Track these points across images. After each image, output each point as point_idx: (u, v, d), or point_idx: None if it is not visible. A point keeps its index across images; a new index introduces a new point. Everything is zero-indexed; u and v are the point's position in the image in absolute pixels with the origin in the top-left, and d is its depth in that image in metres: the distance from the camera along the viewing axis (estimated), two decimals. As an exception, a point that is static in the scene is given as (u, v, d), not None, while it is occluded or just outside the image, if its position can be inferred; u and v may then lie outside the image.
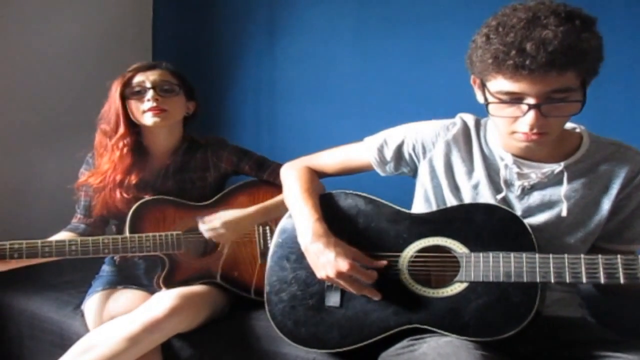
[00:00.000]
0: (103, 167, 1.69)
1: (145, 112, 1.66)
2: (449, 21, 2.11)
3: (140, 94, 1.67)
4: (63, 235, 1.73)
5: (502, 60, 1.06)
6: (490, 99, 1.13)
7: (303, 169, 1.51)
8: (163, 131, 1.73)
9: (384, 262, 1.29)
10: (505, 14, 1.09)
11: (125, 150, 1.67)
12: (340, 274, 1.25)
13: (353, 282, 1.26)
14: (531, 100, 1.08)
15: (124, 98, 1.67)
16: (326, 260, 1.26)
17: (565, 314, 1.28)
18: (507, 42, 1.05)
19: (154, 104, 1.64)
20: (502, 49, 1.05)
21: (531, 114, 1.08)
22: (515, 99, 1.10)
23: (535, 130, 1.11)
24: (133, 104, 1.68)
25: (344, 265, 1.24)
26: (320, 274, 1.29)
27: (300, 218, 1.36)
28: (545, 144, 1.17)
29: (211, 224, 1.62)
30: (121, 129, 1.67)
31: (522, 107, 1.10)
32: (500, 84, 1.10)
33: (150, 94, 1.65)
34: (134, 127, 1.70)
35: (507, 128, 1.15)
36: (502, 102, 1.12)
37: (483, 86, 1.16)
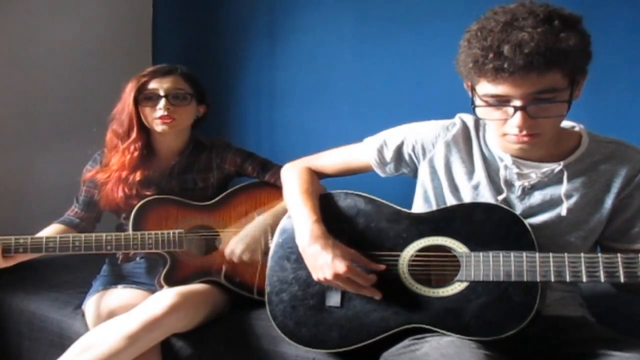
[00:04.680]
0: (112, 166, 1.72)
1: (155, 120, 1.69)
2: (449, 22, 2.09)
3: (152, 100, 1.70)
4: (57, 228, 1.76)
5: (481, 64, 1.07)
6: (478, 102, 1.14)
7: (303, 169, 1.51)
8: (171, 135, 1.76)
9: (383, 266, 1.29)
10: (485, 17, 1.11)
11: (136, 154, 1.71)
12: (337, 276, 1.24)
13: (351, 284, 1.26)
14: (517, 102, 1.08)
15: (137, 102, 1.70)
16: (323, 262, 1.26)
17: (566, 313, 1.28)
18: (485, 46, 1.06)
19: (165, 113, 1.67)
20: (481, 53, 1.06)
21: (518, 116, 1.09)
22: (501, 101, 1.10)
23: (525, 132, 1.11)
24: (145, 110, 1.71)
25: (341, 267, 1.24)
26: (318, 275, 1.28)
27: (299, 219, 1.36)
28: (539, 145, 1.17)
29: (234, 252, 1.63)
30: (133, 134, 1.71)
31: (508, 109, 1.10)
32: (484, 87, 1.11)
33: (162, 102, 1.68)
34: (144, 131, 1.74)
35: (499, 130, 1.16)
36: (488, 105, 1.12)
37: (472, 90, 1.17)
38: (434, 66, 2.15)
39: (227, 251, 1.64)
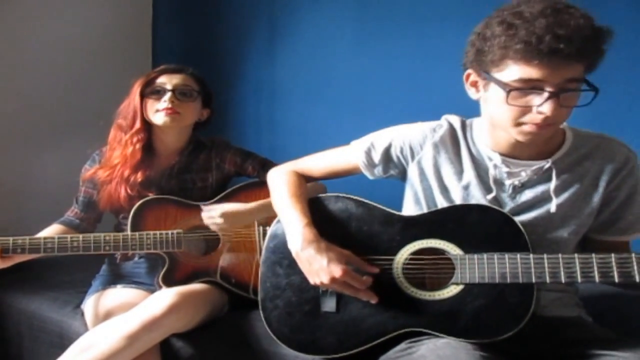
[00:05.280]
0: (114, 161, 1.71)
1: (158, 112, 1.69)
2: (449, 22, 2.11)
3: (158, 93, 1.70)
4: (57, 228, 1.76)
5: (534, 46, 1.04)
6: (511, 87, 1.10)
7: (290, 173, 1.49)
8: (172, 132, 1.76)
9: (377, 269, 1.29)
10: (520, 3, 1.09)
11: (138, 146, 1.70)
12: (334, 280, 1.24)
13: (348, 287, 1.26)
14: (549, 88, 1.07)
15: (142, 96, 1.71)
16: (319, 267, 1.26)
17: (562, 313, 1.28)
18: (539, 26, 1.04)
19: (169, 106, 1.67)
20: (536, 32, 1.04)
21: (550, 103, 1.08)
22: (534, 87, 1.09)
23: (548, 121, 1.10)
24: (149, 103, 1.71)
25: (337, 271, 1.23)
26: (314, 280, 1.28)
27: (290, 224, 1.35)
28: (545, 136, 1.17)
29: (210, 212, 1.62)
30: (137, 125, 1.71)
31: (542, 94, 1.08)
32: (521, 71, 1.08)
33: (168, 95, 1.69)
34: (148, 125, 1.74)
35: (515, 120, 1.13)
36: (521, 89, 1.09)
37: (489, 78, 1.14)
38: (434, 66, 2.16)
39: (205, 212, 1.63)
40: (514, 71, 1.09)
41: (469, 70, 1.21)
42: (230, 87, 2.67)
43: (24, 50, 2.28)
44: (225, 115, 2.66)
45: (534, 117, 1.11)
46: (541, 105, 1.09)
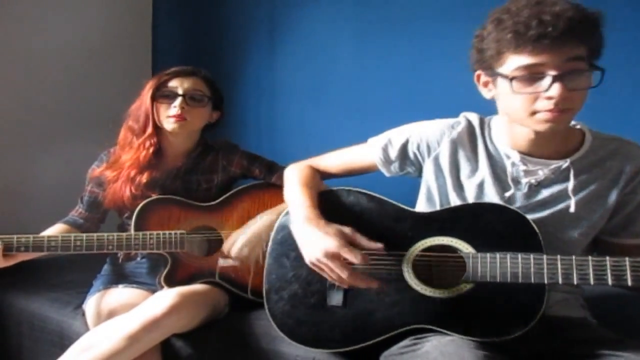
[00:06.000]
0: (125, 163, 1.71)
1: (168, 117, 1.68)
2: (449, 21, 2.12)
3: (169, 98, 1.70)
4: (61, 228, 1.76)
5: (523, 33, 1.08)
6: (513, 75, 1.13)
7: (305, 168, 1.51)
8: (181, 136, 1.75)
9: (380, 245, 1.25)
10: (508, 3, 1.14)
11: (151, 150, 1.70)
12: (327, 254, 1.20)
13: (345, 267, 1.21)
14: (552, 72, 1.09)
15: (153, 99, 1.70)
16: (314, 240, 1.24)
17: (568, 314, 1.28)
18: (525, 15, 1.09)
19: (179, 112, 1.67)
20: (522, 20, 1.08)
21: (556, 87, 1.09)
22: (536, 72, 1.11)
23: (560, 106, 1.11)
24: (160, 107, 1.71)
25: (330, 243, 1.20)
26: (310, 257, 1.25)
27: (294, 206, 1.36)
28: (564, 123, 1.17)
29: (235, 251, 1.62)
30: (149, 130, 1.71)
31: (544, 81, 1.10)
32: (519, 60, 1.11)
33: (178, 101, 1.68)
34: (158, 129, 1.73)
35: (528, 109, 1.14)
36: (525, 76, 1.12)
37: (494, 74, 1.17)
38: (433, 66, 2.16)
39: (227, 244, 1.64)
40: (512, 61, 1.13)
41: (478, 72, 1.23)
42: (230, 87, 2.66)
43: (23, 50, 2.27)
44: (225, 116, 2.65)
45: (545, 104, 1.12)
46: (548, 90, 1.10)
